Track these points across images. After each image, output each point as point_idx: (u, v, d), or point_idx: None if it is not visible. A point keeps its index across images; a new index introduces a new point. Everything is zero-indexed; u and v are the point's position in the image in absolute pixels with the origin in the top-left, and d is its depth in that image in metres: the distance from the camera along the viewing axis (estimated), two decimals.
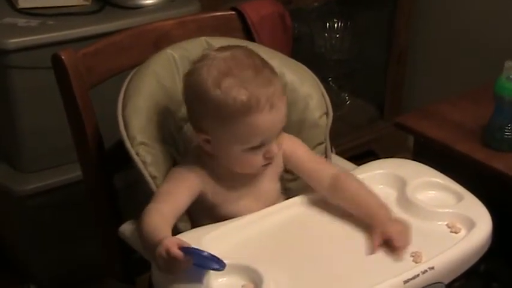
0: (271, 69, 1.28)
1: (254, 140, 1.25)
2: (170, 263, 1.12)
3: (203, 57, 1.28)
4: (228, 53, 1.27)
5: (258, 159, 1.28)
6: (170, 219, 1.23)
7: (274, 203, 1.36)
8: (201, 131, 1.28)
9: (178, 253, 1.11)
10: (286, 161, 1.37)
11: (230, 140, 1.25)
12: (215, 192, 1.32)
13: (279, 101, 1.24)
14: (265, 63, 1.28)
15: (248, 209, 1.32)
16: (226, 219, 1.30)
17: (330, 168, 1.37)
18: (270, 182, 1.37)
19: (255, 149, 1.26)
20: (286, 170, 1.41)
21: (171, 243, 1.12)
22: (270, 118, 1.23)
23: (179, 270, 1.13)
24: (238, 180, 1.33)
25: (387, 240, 1.22)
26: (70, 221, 1.99)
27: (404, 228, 1.24)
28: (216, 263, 1.13)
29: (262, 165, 1.30)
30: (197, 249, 1.12)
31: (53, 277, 2.07)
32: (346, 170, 1.39)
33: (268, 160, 1.29)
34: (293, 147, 1.37)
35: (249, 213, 1.32)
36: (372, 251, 1.22)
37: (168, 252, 1.11)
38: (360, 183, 1.33)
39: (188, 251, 1.11)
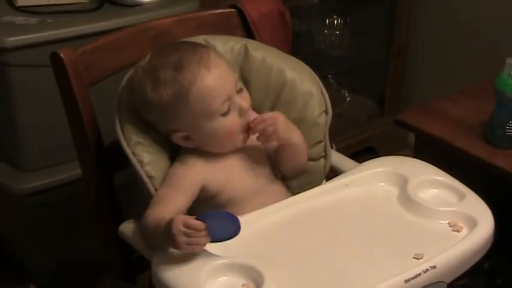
0: (192, 43, 1.34)
1: (215, 105, 1.28)
2: (192, 235, 1.12)
3: (133, 71, 1.34)
4: (147, 57, 1.32)
5: (234, 121, 1.30)
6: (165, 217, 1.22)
7: (271, 181, 1.39)
8: (174, 131, 1.31)
9: (198, 222, 1.12)
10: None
11: (198, 119, 1.28)
12: (216, 180, 1.33)
13: (214, 60, 1.28)
14: (184, 41, 1.35)
15: (250, 192, 1.34)
16: (228, 206, 1.31)
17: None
18: (262, 161, 1.39)
19: (225, 114, 1.29)
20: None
21: (185, 217, 1.14)
22: (213, 77, 1.27)
23: (201, 244, 1.14)
24: (234, 161, 1.35)
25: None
26: (70, 220, 1.98)
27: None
28: (231, 224, 1.14)
29: (245, 132, 1.32)
30: (210, 212, 1.16)
31: (52, 276, 2.07)
32: None
33: (244, 115, 1.31)
34: None
35: (248, 193, 1.34)
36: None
37: (186, 224, 1.12)
38: None
39: (203, 216, 1.13)
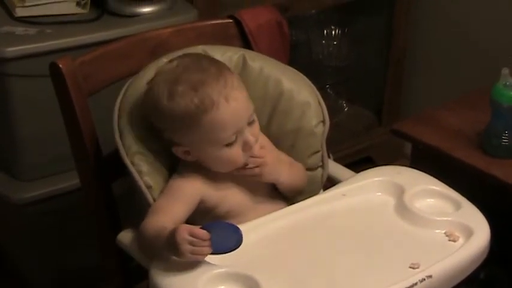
0: (219, 65, 1.31)
1: (224, 136, 1.27)
2: (196, 244, 1.13)
3: (154, 75, 1.32)
4: (174, 63, 1.30)
5: (237, 154, 1.30)
6: (167, 226, 1.23)
7: (269, 194, 1.38)
8: (176, 144, 1.30)
9: (203, 231, 1.14)
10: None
11: (203, 143, 1.28)
12: (216, 194, 1.33)
13: (233, 91, 1.27)
14: (212, 62, 1.31)
15: (249, 207, 1.34)
16: (227, 217, 1.31)
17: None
18: (263, 175, 1.37)
19: (230, 144, 1.28)
20: None
21: (190, 226, 1.15)
22: (229, 110, 1.26)
23: (205, 254, 1.15)
24: (235, 176, 1.34)
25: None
26: (69, 229, 1.98)
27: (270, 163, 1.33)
28: (233, 236, 1.16)
29: (247, 161, 1.31)
30: (214, 223, 1.18)
31: (51, 285, 2.06)
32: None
33: (249, 151, 1.30)
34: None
35: (247, 206, 1.34)
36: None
37: (192, 233, 1.13)
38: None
39: (207, 226, 1.15)
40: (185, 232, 1.14)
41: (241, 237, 1.17)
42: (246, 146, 1.30)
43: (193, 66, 1.29)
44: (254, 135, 1.31)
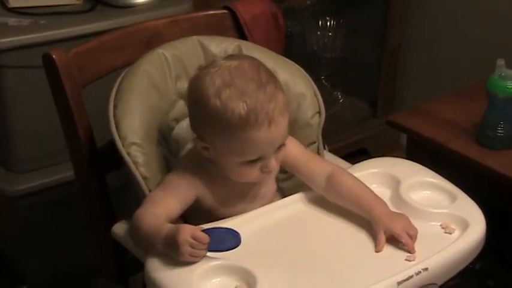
0: (276, 84, 1.25)
1: (250, 155, 1.24)
2: (196, 247, 1.14)
3: (210, 64, 1.27)
4: (234, 63, 1.25)
5: (254, 172, 1.26)
6: (164, 221, 1.22)
7: (269, 202, 1.36)
8: (200, 138, 1.27)
9: (204, 235, 1.14)
10: (283, 162, 1.36)
11: (227, 151, 1.24)
12: (212, 196, 1.32)
13: (278, 117, 1.22)
14: (270, 77, 1.25)
15: (244, 211, 1.32)
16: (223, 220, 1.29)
17: (325, 166, 1.36)
18: (267, 185, 1.37)
19: (252, 162, 1.25)
20: (280, 170, 1.40)
21: (193, 228, 1.14)
22: (268, 134, 1.21)
23: (202, 256, 1.15)
24: (236, 184, 1.32)
25: (391, 237, 1.23)
26: (63, 222, 1.98)
27: (406, 221, 1.24)
28: (232, 239, 1.17)
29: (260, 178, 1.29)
30: (215, 228, 1.19)
31: (45, 278, 2.06)
32: (341, 167, 1.38)
33: (266, 173, 1.27)
34: (290, 147, 1.36)
35: (243, 213, 1.31)
36: (377, 248, 1.23)
37: (194, 236, 1.13)
38: (355, 179, 1.33)
39: (208, 231, 1.15)
40: (188, 234, 1.13)
41: (239, 242, 1.18)
42: (265, 169, 1.26)
43: (252, 74, 1.22)
44: (278, 160, 1.27)
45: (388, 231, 1.23)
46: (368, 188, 1.32)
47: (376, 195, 1.30)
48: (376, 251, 1.23)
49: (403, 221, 1.25)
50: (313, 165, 1.36)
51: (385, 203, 1.29)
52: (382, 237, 1.23)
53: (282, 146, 1.26)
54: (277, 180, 1.44)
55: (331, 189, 1.32)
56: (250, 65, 1.25)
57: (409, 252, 1.21)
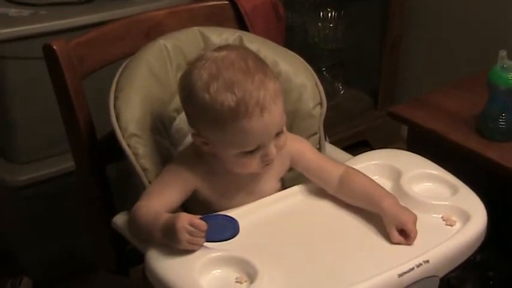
0: (265, 71, 1.23)
1: (247, 145, 1.22)
2: (195, 235, 1.14)
3: (198, 58, 1.26)
4: (221, 54, 1.23)
5: (254, 162, 1.25)
6: (163, 211, 1.22)
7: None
8: (198, 133, 1.27)
9: (202, 222, 1.14)
10: (295, 163, 1.36)
11: (223, 143, 1.23)
12: (211, 189, 1.31)
13: (270, 104, 1.20)
14: (259, 65, 1.23)
15: (244, 204, 1.31)
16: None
17: (338, 168, 1.34)
18: (270, 182, 1.36)
19: (251, 152, 1.24)
20: (289, 170, 1.39)
21: (191, 216, 1.14)
22: (260, 122, 1.20)
23: (200, 244, 1.16)
24: (237, 179, 1.31)
25: (401, 229, 1.23)
26: (63, 212, 1.98)
27: (415, 216, 1.24)
28: (231, 228, 1.17)
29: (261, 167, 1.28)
30: (213, 215, 1.19)
31: (46, 269, 2.06)
32: (352, 167, 1.37)
33: (267, 162, 1.26)
34: (301, 149, 1.36)
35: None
36: (394, 241, 1.22)
37: (192, 223, 1.13)
38: (366, 177, 1.33)
39: (205, 218, 1.15)
40: (186, 221, 1.14)
41: (238, 230, 1.18)
42: (265, 158, 1.25)
43: (239, 64, 1.21)
44: (278, 146, 1.26)
45: (400, 225, 1.22)
46: (379, 185, 1.31)
47: (387, 191, 1.30)
48: (393, 243, 1.22)
49: (413, 215, 1.24)
50: (326, 168, 1.34)
51: (395, 198, 1.28)
52: (394, 231, 1.23)
53: (280, 133, 1.25)
54: (283, 179, 1.41)
55: (344, 189, 1.32)
56: (238, 54, 1.23)
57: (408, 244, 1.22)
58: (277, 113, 1.22)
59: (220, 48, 1.28)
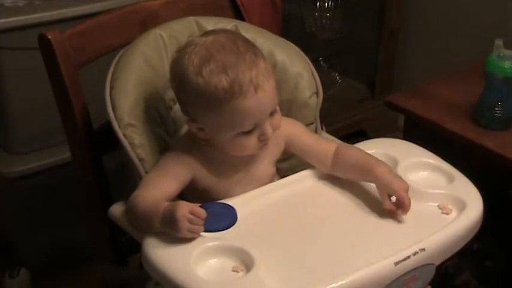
0: (255, 51, 1.25)
1: (244, 125, 1.23)
2: (195, 223, 1.14)
3: (186, 44, 1.27)
4: (210, 38, 1.25)
5: (252, 142, 1.26)
6: (161, 200, 1.22)
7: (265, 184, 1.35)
8: (192, 120, 1.27)
9: (202, 210, 1.15)
10: (290, 146, 1.37)
11: (220, 126, 1.24)
12: (208, 177, 1.31)
13: (264, 82, 1.22)
14: (248, 46, 1.25)
15: (241, 193, 1.31)
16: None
17: (330, 145, 1.36)
18: (266, 167, 1.36)
19: (247, 132, 1.24)
20: (283, 152, 1.40)
21: (191, 204, 1.15)
22: (255, 101, 1.21)
23: (199, 232, 1.16)
24: (233, 164, 1.32)
25: (389, 215, 1.24)
26: (60, 203, 1.98)
27: (406, 185, 1.26)
28: (228, 215, 1.20)
29: (259, 147, 1.28)
30: (211, 203, 1.21)
31: (43, 260, 2.06)
32: (343, 142, 1.40)
33: (264, 141, 1.27)
34: (296, 131, 1.37)
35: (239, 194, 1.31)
36: (385, 211, 1.25)
37: (192, 211, 1.14)
38: (358, 149, 1.35)
39: (204, 207, 1.16)
40: (186, 209, 1.14)
41: (236, 218, 1.19)
42: (262, 137, 1.26)
43: (229, 46, 1.22)
44: (274, 125, 1.27)
45: (392, 193, 1.24)
46: (372, 155, 1.33)
47: (380, 160, 1.31)
48: (385, 208, 1.25)
49: (405, 184, 1.26)
50: (320, 148, 1.36)
51: (389, 166, 1.30)
52: (386, 198, 1.25)
53: (274, 112, 1.26)
54: (276, 163, 1.42)
55: (338, 164, 1.34)
56: (226, 37, 1.25)
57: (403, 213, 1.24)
58: (271, 91, 1.24)
59: (207, 33, 1.30)
